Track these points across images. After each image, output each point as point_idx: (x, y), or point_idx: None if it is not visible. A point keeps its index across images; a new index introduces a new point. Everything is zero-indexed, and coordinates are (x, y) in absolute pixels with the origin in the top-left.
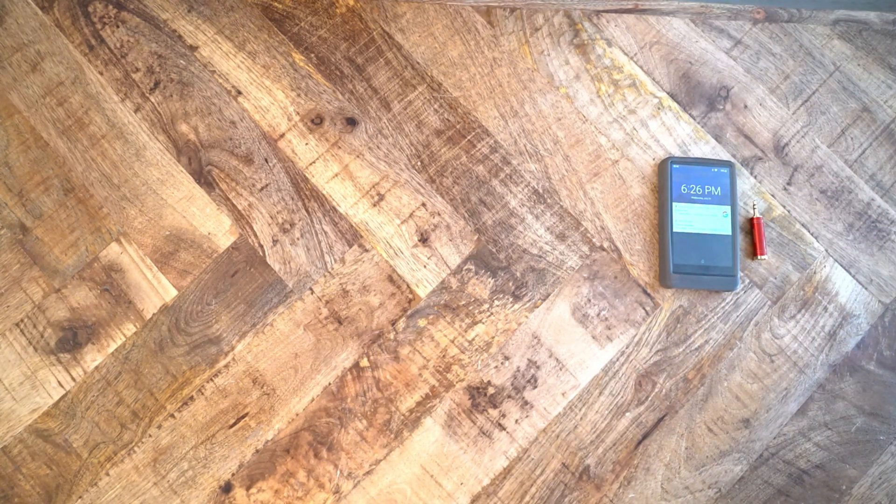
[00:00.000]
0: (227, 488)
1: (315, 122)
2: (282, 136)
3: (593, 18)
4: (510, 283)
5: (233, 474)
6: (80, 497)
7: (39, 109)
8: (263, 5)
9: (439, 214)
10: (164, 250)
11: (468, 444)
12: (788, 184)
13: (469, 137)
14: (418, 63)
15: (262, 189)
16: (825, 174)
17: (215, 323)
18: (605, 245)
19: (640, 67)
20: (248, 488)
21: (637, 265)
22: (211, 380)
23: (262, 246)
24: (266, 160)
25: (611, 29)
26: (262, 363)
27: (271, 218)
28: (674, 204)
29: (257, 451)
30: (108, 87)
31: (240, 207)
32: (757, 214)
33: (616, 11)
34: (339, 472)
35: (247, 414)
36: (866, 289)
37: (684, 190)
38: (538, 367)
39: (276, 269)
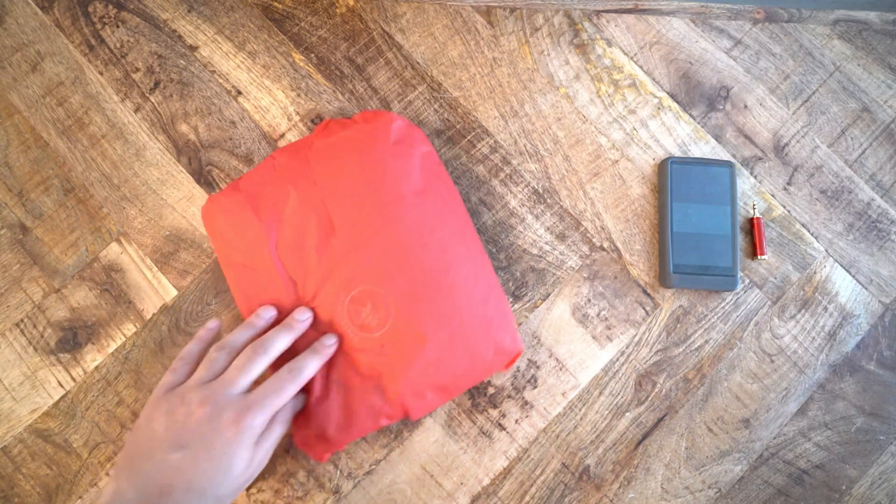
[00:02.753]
0: None
1: (315, 122)
2: (282, 136)
3: (593, 18)
4: (510, 283)
5: None
6: (80, 497)
7: (39, 109)
8: (263, 5)
9: None
10: (164, 250)
11: (468, 444)
12: (788, 184)
13: (469, 137)
14: (418, 63)
15: None
16: (825, 174)
17: None
18: (605, 245)
19: (640, 67)
20: (248, 488)
21: (637, 265)
22: None
23: None
24: None
25: (611, 29)
26: None
27: None
28: (674, 204)
29: None
30: (108, 87)
31: None
32: (757, 214)
33: (616, 11)
34: (339, 472)
35: None
36: (866, 289)
37: (684, 190)
38: (538, 367)
39: None
